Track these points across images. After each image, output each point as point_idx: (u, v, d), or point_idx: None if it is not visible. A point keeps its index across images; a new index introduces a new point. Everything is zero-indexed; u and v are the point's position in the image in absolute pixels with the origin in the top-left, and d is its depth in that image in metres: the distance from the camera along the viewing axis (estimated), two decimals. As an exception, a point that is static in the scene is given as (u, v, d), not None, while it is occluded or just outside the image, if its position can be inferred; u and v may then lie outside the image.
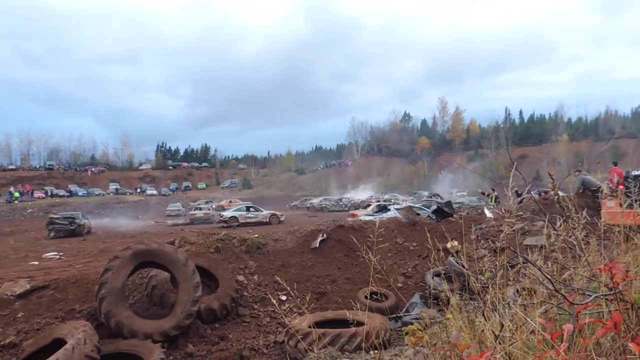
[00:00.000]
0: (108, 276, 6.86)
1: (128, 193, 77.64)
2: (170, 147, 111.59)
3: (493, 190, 24.96)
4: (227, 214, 32.02)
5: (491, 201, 23.81)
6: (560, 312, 1.99)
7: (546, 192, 19.39)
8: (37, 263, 16.10)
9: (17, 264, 15.79)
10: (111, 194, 74.23)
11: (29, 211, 56.43)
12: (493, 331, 1.87)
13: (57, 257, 17.90)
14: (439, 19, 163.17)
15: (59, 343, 5.79)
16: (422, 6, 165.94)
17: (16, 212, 54.63)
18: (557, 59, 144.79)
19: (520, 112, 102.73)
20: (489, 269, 2.55)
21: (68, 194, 70.85)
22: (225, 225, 28.99)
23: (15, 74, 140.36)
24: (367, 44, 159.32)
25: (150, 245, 7.59)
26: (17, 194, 64.01)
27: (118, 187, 79.92)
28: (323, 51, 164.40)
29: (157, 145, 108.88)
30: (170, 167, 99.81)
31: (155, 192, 79.04)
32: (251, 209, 32.95)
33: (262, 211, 33.00)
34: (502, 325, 1.83)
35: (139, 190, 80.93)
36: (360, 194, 63.25)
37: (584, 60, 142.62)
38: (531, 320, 1.81)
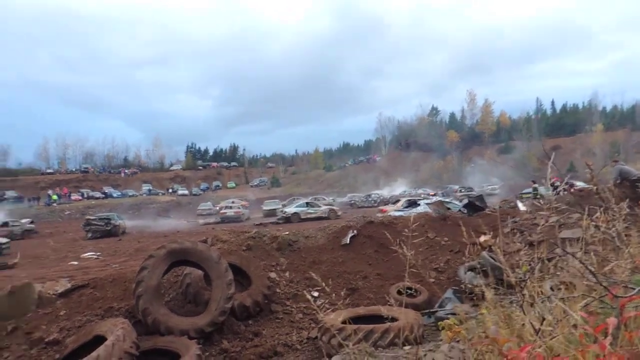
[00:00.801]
0: (144, 275, 7.03)
1: (160, 193, 79.25)
2: (199, 148, 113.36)
3: (534, 182, 24.41)
4: (290, 210, 32.99)
5: (537, 194, 23.14)
6: (602, 306, 1.94)
7: (571, 185, 18.83)
8: (76, 263, 16.63)
9: (57, 264, 16.35)
10: (144, 195, 75.96)
11: (66, 213, 58.31)
12: (533, 325, 1.83)
13: (95, 257, 18.44)
14: (468, 9, 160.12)
15: (99, 340, 5.97)
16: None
17: (55, 214, 56.51)
18: (591, 46, 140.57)
19: (553, 103, 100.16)
20: (526, 263, 2.49)
21: (103, 195, 72.86)
22: (285, 221, 29.78)
23: (51, 78, 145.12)
24: (394, 38, 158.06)
25: (184, 244, 7.74)
26: (55, 197, 66.30)
27: (150, 187, 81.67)
28: (350, 47, 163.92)
29: (187, 146, 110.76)
30: (200, 167, 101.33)
31: (186, 192, 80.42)
32: (311, 205, 33.67)
33: (320, 207, 33.67)
34: (543, 319, 1.80)
35: (170, 190, 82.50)
36: (393, 189, 62.74)
37: (620, 47, 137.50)
38: (572, 313, 1.77)
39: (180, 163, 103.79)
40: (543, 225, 3.46)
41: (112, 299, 7.73)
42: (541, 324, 1.78)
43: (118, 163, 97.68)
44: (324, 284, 3.43)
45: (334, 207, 34.25)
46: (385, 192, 57.54)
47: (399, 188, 63.00)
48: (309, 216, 30.84)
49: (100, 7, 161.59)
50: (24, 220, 36.85)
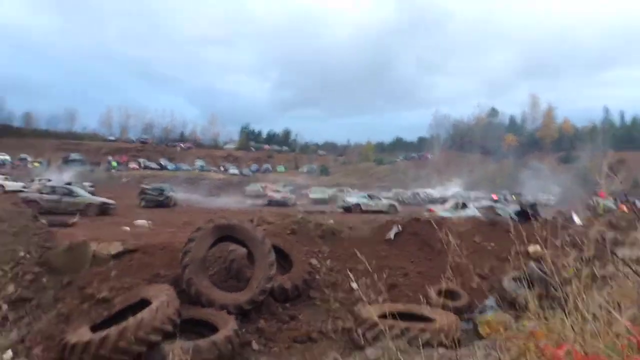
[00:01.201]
0: (191, 246, 7.29)
1: (212, 170, 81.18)
2: (253, 129, 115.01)
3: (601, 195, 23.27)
4: (352, 200, 32.87)
5: (601, 209, 22.03)
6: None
7: (634, 203, 17.80)
8: (128, 229, 17.35)
9: (111, 229, 17.12)
10: (197, 170, 78.06)
11: (124, 180, 60.90)
12: (573, 326, 1.77)
13: (147, 225, 19.17)
14: (539, 6, 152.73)
15: (145, 303, 6.26)
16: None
17: (113, 180, 59.09)
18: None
19: (622, 113, 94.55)
20: (573, 267, 2.40)
21: (159, 167, 75.48)
22: (346, 211, 30.03)
23: (120, 50, 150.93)
24: (458, 32, 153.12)
25: (231, 221, 7.95)
26: (114, 164, 69.49)
27: (203, 164, 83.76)
28: (411, 40, 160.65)
29: (242, 127, 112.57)
30: (252, 149, 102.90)
31: (237, 171, 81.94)
32: (372, 197, 33.69)
33: (381, 200, 33.65)
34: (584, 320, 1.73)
35: (222, 168, 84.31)
36: (445, 189, 61.26)
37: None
38: (619, 318, 1.69)
39: (233, 142, 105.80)
40: (597, 240, 3.29)
41: (159, 266, 8.06)
42: (582, 326, 1.71)
43: (175, 137, 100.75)
44: (369, 269, 3.42)
45: (394, 203, 34.05)
46: (435, 192, 56.27)
47: (452, 189, 61.41)
48: (369, 208, 30.81)
49: None
50: (85, 184, 38.87)
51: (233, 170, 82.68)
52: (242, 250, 8.15)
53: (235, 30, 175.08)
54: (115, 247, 8.60)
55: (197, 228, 7.75)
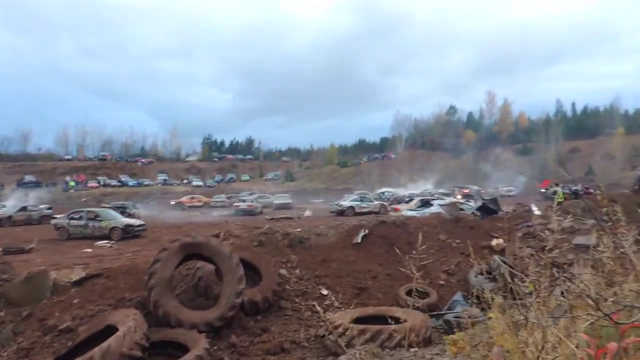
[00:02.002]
0: (157, 267, 7.15)
1: (175, 184, 79.99)
2: (216, 140, 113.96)
3: (557, 185, 24.10)
4: (346, 203, 34.11)
5: (559, 198, 22.77)
6: (606, 325, 1.94)
7: (587, 189, 18.63)
8: (90, 250, 16.89)
9: (72, 251, 16.61)
10: (159, 185, 76.76)
11: (83, 200, 59.20)
12: (536, 346, 1.85)
13: (109, 245, 18.69)
14: (492, 7, 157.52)
15: (111, 329, 6.09)
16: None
17: (72, 201, 57.32)
18: (616, 48, 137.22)
19: (573, 105, 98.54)
20: (532, 281, 2.50)
21: (119, 184, 73.83)
22: (339, 214, 30.89)
23: (74, 66, 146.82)
24: (415, 35, 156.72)
25: (197, 238, 7.85)
26: (72, 183, 67.42)
27: (166, 178, 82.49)
28: (370, 43, 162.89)
29: (204, 138, 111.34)
30: (216, 159, 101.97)
31: (200, 183, 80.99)
32: (364, 199, 35.11)
33: (373, 202, 34.96)
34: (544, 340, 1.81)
35: (185, 181, 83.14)
36: (413, 187, 62.06)
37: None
38: (575, 334, 1.78)
39: (196, 154, 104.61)
40: (557, 231, 3.43)
41: (124, 289, 7.87)
42: (543, 346, 1.79)
43: (135, 152, 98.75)
44: (330, 292, 3.45)
45: (385, 203, 35.26)
46: (399, 191, 57.02)
47: (421, 187, 62.27)
48: (362, 210, 31.74)
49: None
50: (42, 206, 37.52)
51: (196, 182, 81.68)
52: (210, 267, 8.05)
53: (193, 41, 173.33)
54: (77, 273, 8.34)
55: (162, 248, 7.61)
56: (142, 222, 22.99)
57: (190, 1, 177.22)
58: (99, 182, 72.32)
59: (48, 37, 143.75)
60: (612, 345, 1.38)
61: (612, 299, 2.09)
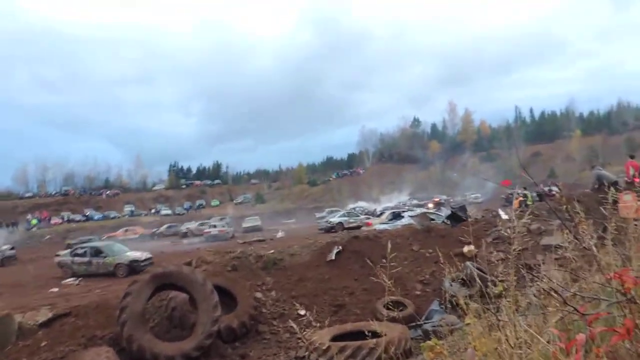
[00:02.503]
0: (128, 300, 6.96)
1: (143, 214, 78.23)
2: (182, 166, 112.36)
3: (525, 188, 24.62)
4: (335, 220, 34.34)
5: (528, 201, 23.25)
6: (576, 319, 2.00)
7: (550, 190, 19.26)
8: (57, 290, 16.29)
9: (37, 292, 15.98)
10: (126, 216, 74.93)
11: (47, 237, 57.20)
12: (509, 342, 1.88)
13: (76, 283, 18.09)
14: (448, 22, 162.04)
15: (83, 370, 5.87)
16: (430, 10, 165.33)
17: (34, 239, 55.37)
18: (567, 55, 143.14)
19: (531, 110, 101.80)
20: (501, 283, 2.55)
21: (84, 218, 71.67)
22: (329, 230, 30.83)
23: (32, 99, 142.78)
24: (376, 51, 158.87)
25: (168, 268, 7.70)
26: (34, 221, 65.07)
27: (133, 209, 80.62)
28: (333, 62, 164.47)
29: (170, 165, 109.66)
30: (184, 186, 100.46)
31: (169, 211, 79.52)
32: (351, 215, 35.61)
33: (360, 216, 35.18)
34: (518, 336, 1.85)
35: (153, 211, 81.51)
36: (389, 200, 62.48)
37: (594, 55, 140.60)
38: (547, 329, 1.82)
39: (163, 182, 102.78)
40: (525, 233, 3.52)
41: (95, 327, 7.61)
42: (516, 341, 1.82)
43: (99, 184, 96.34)
44: (307, 311, 3.43)
45: (370, 217, 35.70)
46: (373, 205, 57.43)
47: (395, 199, 62.78)
48: (351, 225, 32.07)
49: (83, 26, 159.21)
50: (4, 247, 36.03)
51: (165, 211, 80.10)
52: (183, 296, 7.89)
53: (154, 67, 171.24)
54: (43, 315, 8.02)
55: (133, 281, 7.43)
56: (149, 256, 20.88)
57: (149, 28, 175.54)
58: (62, 218, 70.00)
59: (1, 69, 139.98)
60: (581, 337, 1.43)
61: (578, 293, 2.15)
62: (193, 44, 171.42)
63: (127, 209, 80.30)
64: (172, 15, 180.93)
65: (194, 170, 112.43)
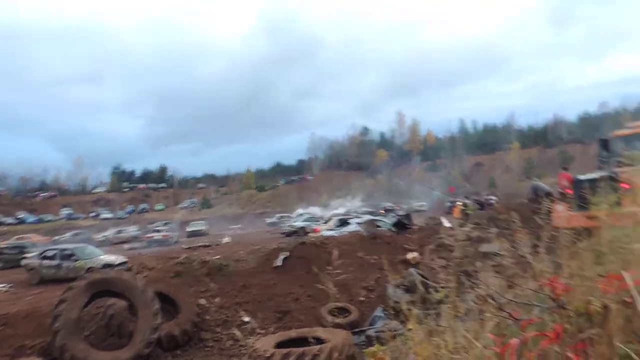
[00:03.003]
0: (62, 308, 6.61)
1: (81, 218, 74.94)
2: (125, 169, 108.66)
3: (467, 197, 25.42)
4: (298, 224, 34.19)
5: (468, 210, 23.93)
6: (511, 325, 2.08)
7: (488, 200, 20.13)
8: (-17, 297, 15.25)
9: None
10: (63, 220, 71.50)
11: (-26, 241, 53.51)
12: (447, 347, 1.93)
13: (5, 289, 17.02)
14: (399, 33, 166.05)
15: (9, 383, 5.51)
16: (383, 22, 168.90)
17: (-40, 244, 51.70)
18: (509, 70, 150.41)
19: (474, 123, 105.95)
20: (442, 289, 2.62)
21: (17, 221, 67.76)
22: (290, 235, 30.47)
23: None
24: (328, 60, 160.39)
25: (107, 274, 7.39)
26: (-40, 224, 60.85)
27: (71, 212, 77.16)
28: (285, 67, 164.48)
29: (112, 167, 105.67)
30: (126, 190, 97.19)
31: (110, 215, 76.61)
32: (314, 219, 36.32)
33: (319, 221, 35.15)
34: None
35: (93, 214, 78.24)
36: (342, 206, 62.73)
37: (534, 71, 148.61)
38: (482, 333, 1.88)
39: (104, 185, 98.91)
40: (465, 240, 3.65)
41: (24, 337, 7.17)
42: (454, 348, 1.87)
43: (35, 186, 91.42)
44: (252, 318, 3.38)
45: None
46: (323, 211, 57.72)
47: (348, 206, 63.12)
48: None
49: (27, 23, 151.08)
50: None
51: (106, 214, 77.10)
52: (122, 303, 7.58)
53: (101, 67, 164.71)
54: (-33, 323, 7.49)
55: (69, 287, 7.06)
56: (124, 260, 18.84)
57: (98, 26, 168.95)
58: (-8, 221, 66.01)
59: None
60: (514, 341, 1.48)
61: (512, 299, 2.23)
62: (144, 43, 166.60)
63: (65, 212, 76.71)
64: (122, 13, 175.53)
65: (137, 173, 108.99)
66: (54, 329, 6.44)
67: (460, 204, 24.74)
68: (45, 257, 19.06)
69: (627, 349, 1.60)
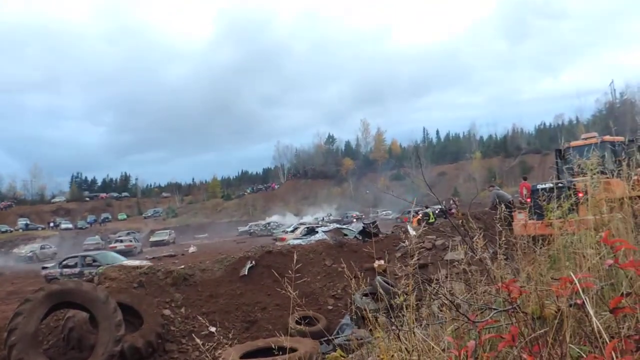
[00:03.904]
0: (18, 321, 6.39)
1: (39, 228, 72.29)
2: (86, 178, 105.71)
3: (427, 207, 25.82)
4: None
5: (430, 219, 24.30)
6: (470, 328, 2.16)
7: (450, 209, 20.59)
8: None
9: None
10: (20, 230, 68.81)
11: None
12: (407, 350, 1.99)
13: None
14: (364, 43, 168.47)
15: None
16: (349, 31, 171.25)
17: None
18: (470, 82, 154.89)
19: (437, 132, 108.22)
20: (402, 293, 2.69)
21: (-31, 232, 64.86)
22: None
23: None
24: (294, 69, 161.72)
25: (66, 285, 7.19)
26: None
27: (28, 222, 74.34)
28: (251, 76, 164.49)
29: (72, 176, 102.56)
30: (87, 199, 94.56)
31: (70, 225, 74.22)
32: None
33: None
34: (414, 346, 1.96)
35: (52, 224, 75.61)
36: (311, 215, 62.70)
37: (493, 83, 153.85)
38: (443, 338, 1.95)
39: (64, 194, 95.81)
40: (430, 248, 3.76)
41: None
42: (413, 350, 1.94)
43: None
44: (219, 328, 3.36)
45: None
46: (287, 219, 57.71)
47: (318, 214, 63.18)
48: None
49: None
50: None
51: (65, 224, 74.63)
52: (83, 315, 7.37)
53: (60, 74, 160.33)
54: None
55: (25, 299, 6.82)
56: (150, 265, 18.43)
57: (57, 31, 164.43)
58: (-58, 232, 62.94)
59: None
60: (471, 344, 1.55)
61: (471, 303, 2.33)
62: (106, 49, 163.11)
63: (21, 222, 73.86)
64: (84, 17, 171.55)
65: (99, 182, 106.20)
66: (9, 343, 6.21)
67: (419, 214, 25.18)
68: (66, 266, 18.70)
69: (579, 350, 1.70)
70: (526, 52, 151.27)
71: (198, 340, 3.05)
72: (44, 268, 21.54)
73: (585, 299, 1.63)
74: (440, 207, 16.92)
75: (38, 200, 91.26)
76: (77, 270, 18.23)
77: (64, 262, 19.43)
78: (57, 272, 18.61)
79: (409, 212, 34.26)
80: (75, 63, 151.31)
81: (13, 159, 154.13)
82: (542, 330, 1.69)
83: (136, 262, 18.62)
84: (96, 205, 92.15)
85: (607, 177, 4.86)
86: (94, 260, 18.59)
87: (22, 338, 6.21)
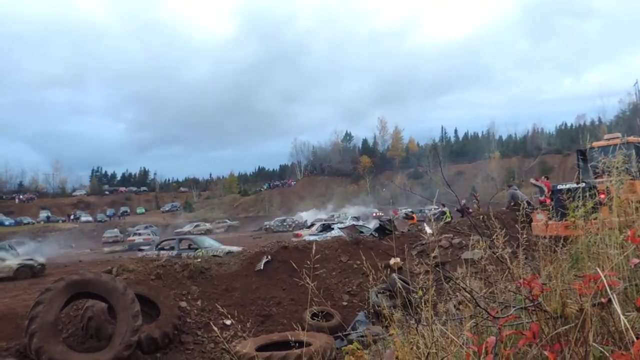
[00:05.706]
0: (39, 310, 6.51)
1: (60, 220, 73.57)
2: (106, 172, 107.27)
3: (444, 205, 25.66)
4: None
5: (446, 217, 24.17)
6: (489, 325, 2.13)
7: (468, 208, 20.41)
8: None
9: None
10: (42, 222, 70.13)
11: (-52, 244, 52.14)
12: (427, 345, 1.97)
13: None
14: (385, 41, 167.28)
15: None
16: (369, 29, 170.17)
17: None
18: (491, 81, 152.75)
19: (456, 131, 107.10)
20: (421, 288, 2.67)
21: (-6, 223, 66.32)
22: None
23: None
24: (313, 66, 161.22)
25: (86, 275, 7.29)
26: None
27: (49, 214, 75.68)
28: (270, 73, 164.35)
29: (92, 170, 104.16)
30: (107, 192, 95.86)
31: (90, 218, 75.42)
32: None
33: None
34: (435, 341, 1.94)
35: (72, 217, 76.91)
36: (330, 212, 62.80)
37: (514, 82, 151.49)
38: (461, 334, 1.93)
39: (84, 188, 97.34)
40: (447, 247, 3.73)
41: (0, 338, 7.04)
42: (432, 344, 1.91)
43: (12, 188, 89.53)
44: (234, 321, 3.38)
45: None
46: (304, 216, 57.78)
47: (339, 211, 63.17)
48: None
49: (3, 23, 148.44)
50: None
51: (85, 217, 75.88)
52: (101, 305, 7.48)
53: (83, 70, 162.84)
54: (-59, 325, 7.32)
55: (46, 289, 6.94)
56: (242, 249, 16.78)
57: (81, 29, 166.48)
58: (-33, 223, 64.43)
59: None
60: (491, 339, 1.52)
61: (490, 299, 2.29)
62: (129, 47, 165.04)
63: (43, 214, 75.25)
64: (106, 15, 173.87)
65: (118, 176, 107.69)
66: (29, 331, 6.33)
67: (413, 213, 25.10)
68: (163, 249, 18.84)
69: (602, 349, 1.66)
70: (549, 51, 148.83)
71: (216, 330, 3.05)
72: (140, 250, 21.80)
73: (613, 296, 1.59)
74: (458, 206, 16.74)
75: (59, 193, 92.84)
76: (174, 252, 18.01)
77: (161, 245, 19.54)
78: (154, 254, 18.64)
79: (411, 211, 34.21)
80: (97, 59, 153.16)
81: (36, 153, 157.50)
82: (563, 328, 1.66)
83: (234, 248, 18.27)
84: (115, 199, 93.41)
85: (632, 178, 4.76)
86: (192, 243, 18.73)
87: (42, 326, 6.32)
